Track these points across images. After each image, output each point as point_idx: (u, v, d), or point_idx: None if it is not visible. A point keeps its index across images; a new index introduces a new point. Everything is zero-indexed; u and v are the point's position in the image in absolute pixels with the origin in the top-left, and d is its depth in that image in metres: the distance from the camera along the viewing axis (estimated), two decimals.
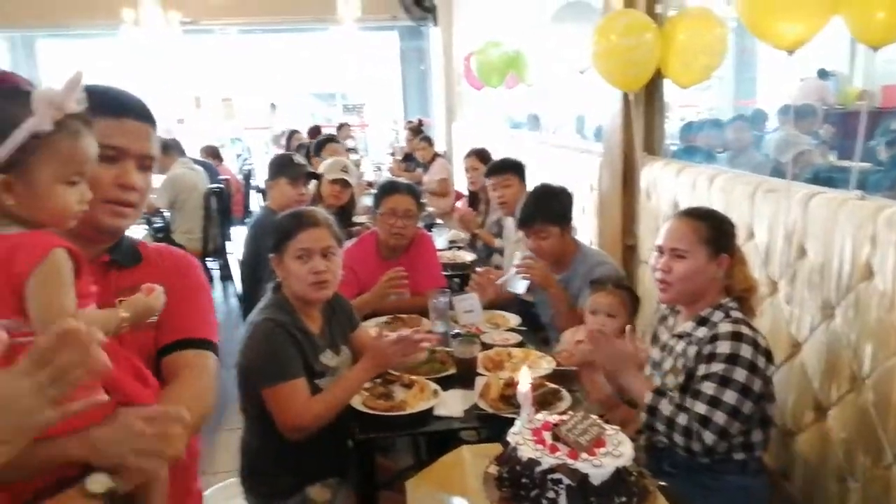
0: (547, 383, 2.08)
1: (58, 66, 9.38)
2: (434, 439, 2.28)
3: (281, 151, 9.10)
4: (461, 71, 6.98)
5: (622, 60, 2.75)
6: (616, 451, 1.27)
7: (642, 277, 3.17)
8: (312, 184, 3.56)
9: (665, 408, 1.80)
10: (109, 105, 1.21)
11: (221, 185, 5.79)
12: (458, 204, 5.63)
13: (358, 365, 1.96)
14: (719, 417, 1.74)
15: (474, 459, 1.47)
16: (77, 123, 1.05)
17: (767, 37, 1.85)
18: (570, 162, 3.92)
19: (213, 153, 7.19)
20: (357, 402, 1.98)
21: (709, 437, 1.74)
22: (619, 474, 1.24)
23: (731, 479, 1.87)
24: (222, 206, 5.67)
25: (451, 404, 2.03)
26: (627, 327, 2.05)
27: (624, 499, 1.25)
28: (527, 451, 1.27)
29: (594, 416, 1.37)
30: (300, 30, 10.44)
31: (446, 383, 2.14)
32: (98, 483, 1.01)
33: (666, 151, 3.20)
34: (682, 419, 1.77)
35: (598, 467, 1.23)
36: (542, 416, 1.40)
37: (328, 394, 1.92)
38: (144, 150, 1.25)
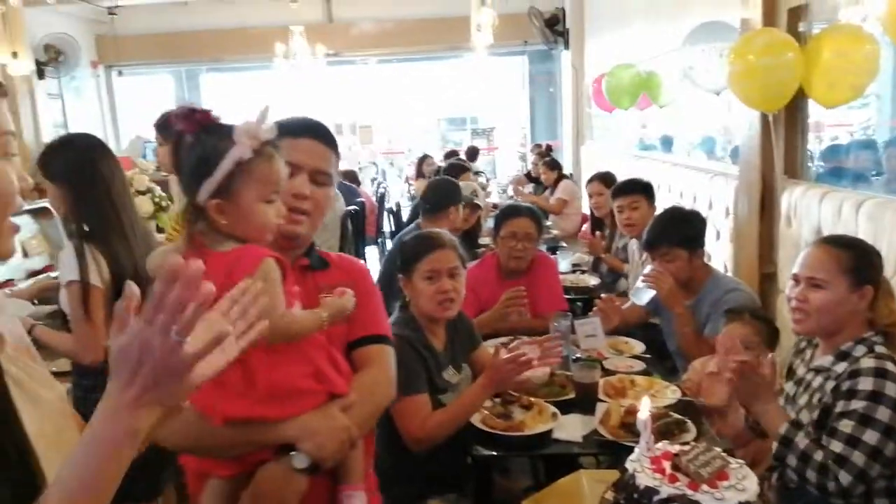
0: (672, 413, 2.02)
1: (219, 96, 10.32)
2: (552, 463, 2.27)
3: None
4: (590, 93, 6.94)
5: (761, 80, 2.63)
6: (739, 486, 1.23)
7: (781, 308, 2.98)
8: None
9: (801, 441, 1.70)
10: (291, 128, 1.41)
11: (357, 207, 6.10)
12: (585, 227, 5.56)
13: (477, 382, 2.01)
14: (858, 458, 1.61)
15: (592, 485, 1.46)
16: (269, 149, 1.24)
17: None
18: (704, 184, 3.78)
19: (351, 177, 7.57)
20: (476, 420, 2.02)
21: (845, 477, 1.62)
22: None
23: None
24: (357, 226, 5.97)
25: (571, 428, 2.02)
26: (770, 355, 1.95)
27: None
28: (645, 479, 1.25)
29: (718, 449, 1.32)
30: (434, 58, 10.79)
31: (565, 407, 2.13)
32: (301, 459, 1.25)
33: (811, 174, 3.01)
34: (818, 455, 1.66)
35: (720, 501, 1.19)
36: (663, 446, 1.37)
37: (449, 410, 1.97)
38: (318, 165, 1.43)
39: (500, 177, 10.40)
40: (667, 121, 5.37)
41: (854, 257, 1.78)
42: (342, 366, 1.38)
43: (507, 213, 3.07)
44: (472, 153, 9.12)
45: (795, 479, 1.70)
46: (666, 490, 1.22)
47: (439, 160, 8.54)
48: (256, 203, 1.23)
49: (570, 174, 7.54)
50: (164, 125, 2.55)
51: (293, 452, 1.28)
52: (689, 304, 2.67)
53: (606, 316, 2.69)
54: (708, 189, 3.72)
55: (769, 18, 2.87)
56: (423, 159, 8.59)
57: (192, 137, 1.21)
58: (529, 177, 7.83)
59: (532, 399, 2.12)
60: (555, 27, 7.65)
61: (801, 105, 2.86)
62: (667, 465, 1.29)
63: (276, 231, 1.34)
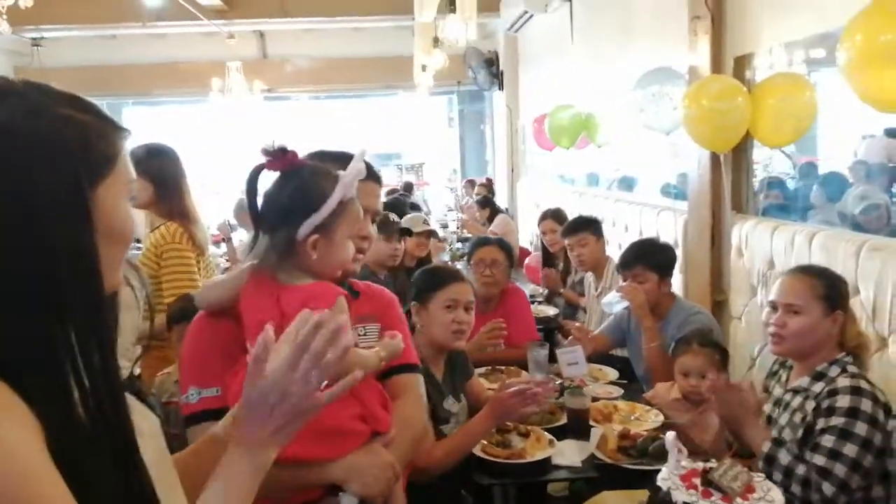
0: (661, 435, 2.12)
1: (142, 128, 10.02)
2: (524, 492, 2.35)
3: None
4: (526, 132, 7.20)
5: (713, 124, 2.85)
6: (768, 497, 1.33)
7: (734, 333, 3.20)
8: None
9: (783, 458, 1.83)
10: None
11: None
12: (526, 261, 5.72)
13: (480, 414, 2.05)
14: (839, 470, 1.75)
15: None
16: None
17: (874, 99, 1.94)
18: (652, 219, 4.01)
19: None
20: (476, 450, 2.06)
21: (828, 488, 1.75)
22: None
23: None
24: None
25: (568, 454, 2.09)
26: (751, 381, 2.09)
27: None
28: (681, 496, 1.34)
29: (740, 465, 1.43)
30: (368, 95, 10.92)
31: (558, 434, 2.20)
32: (350, 500, 1.27)
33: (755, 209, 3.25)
34: (800, 469, 1.79)
35: None
36: (688, 464, 1.46)
37: (454, 440, 2.00)
38: (376, 207, 1.53)
39: (433, 211, 10.53)
40: (611, 159, 5.64)
41: (826, 285, 1.96)
42: (389, 404, 1.40)
43: (477, 243, 3.29)
44: (408, 188, 9.23)
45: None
46: None
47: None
48: (345, 240, 1.29)
49: (507, 209, 7.75)
50: (143, 162, 2.53)
51: (341, 493, 1.29)
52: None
53: (581, 344, 2.79)
54: (655, 223, 3.94)
55: (716, 66, 3.13)
56: None
57: (289, 174, 1.25)
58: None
59: (528, 427, 2.18)
60: (490, 68, 7.93)
61: (747, 145, 3.11)
62: (697, 481, 1.39)
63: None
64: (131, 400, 0.87)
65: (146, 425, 0.89)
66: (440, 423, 2.06)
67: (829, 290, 1.94)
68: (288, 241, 1.24)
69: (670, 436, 1.45)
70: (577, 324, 3.13)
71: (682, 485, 1.37)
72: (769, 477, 1.86)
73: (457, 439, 2.02)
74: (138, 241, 2.82)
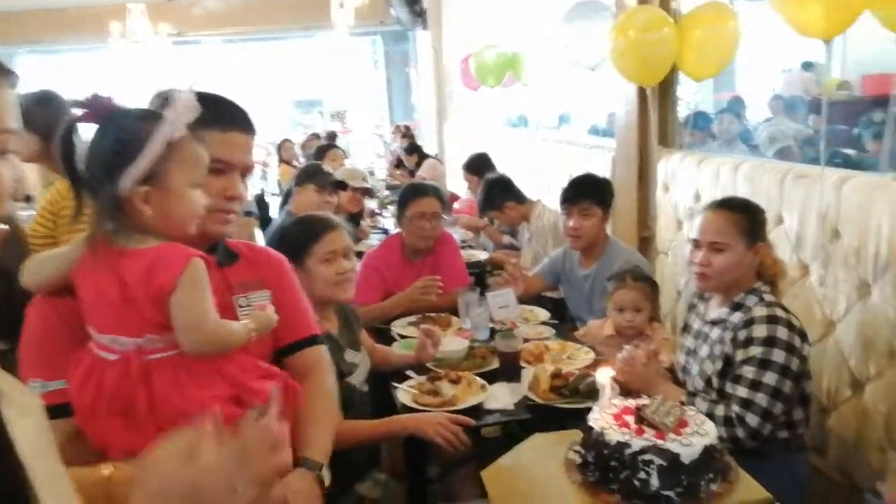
0: (591, 373, 2.11)
1: (39, 79, 9.26)
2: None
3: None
4: (453, 73, 7.03)
5: (641, 56, 2.80)
6: (701, 430, 1.31)
7: (660, 268, 3.22)
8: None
9: (701, 405, 1.83)
10: (219, 118, 1.24)
11: None
12: (455, 205, 5.65)
13: (394, 419, 1.93)
14: (761, 399, 1.78)
15: (550, 447, 1.49)
16: (192, 129, 1.11)
17: (802, 26, 1.90)
18: (581, 158, 3.97)
19: None
20: (408, 400, 2.00)
21: (752, 419, 1.78)
22: (708, 452, 1.28)
23: (777, 458, 1.91)
24: None
25: (500, 397, 2.05)
26: (653, 347, 2.08)
27: (712, 475, 1.28)
28: (614, 435, 1.30)
29: (672, 399, 1.40)
30: (284, 38, 10.41)
31: (490, 378, 2.16)
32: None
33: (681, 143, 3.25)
34: (720, 411, 1.80)
35: (688, 446, 1.26)
36: (620, 402, 1.43)
37: (352, 426, 1.84)
38: (248, 161, 1.31)
39: (357, 160, 10.29)
40: (541, 98, 5.57)
41: (747, 218, 1.94)
42: (272, 373, 1.24)
43: (413, 193, 3.01)
44: (332, 137, 8.94)
45: None
46: (638, 443, 1.27)
47: (297, 144, 8.31)
48: (186, 188, 1.12)
49: (436, 154, 7.62)
50: (30, 113, 2.28)
51: None
52: (590, 272, 2.81)
53: (514, 282, 2.75)
54: (583, 162, 3.90)
55: None
56: (283, 144, 8.30)
57: (104, 123, 1.09)
58: (399, 159, 7.82)
59: (459, 373, 2.13)
60: (413, 6, 7.65)
61: (673, 79, 3.08)
62: (629, 419, 1.35)
63: (203, 230, 1.21)
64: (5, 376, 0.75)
65: (23, 401, 0.77)
66: (344, 376, 1.96)
67: (750, 223, 1.93)
68: (113, 199, 1.07)
69: (602, 374, 1.41)
70: (513, 259, 3.09)
71: (614, 423, 1.34)
72: None
73: (358, 427, 1.87)
74: (28, 198, 2.58)
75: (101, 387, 1.08)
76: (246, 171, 1.31)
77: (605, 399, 1.41)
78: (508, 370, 2.19)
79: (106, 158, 1.08)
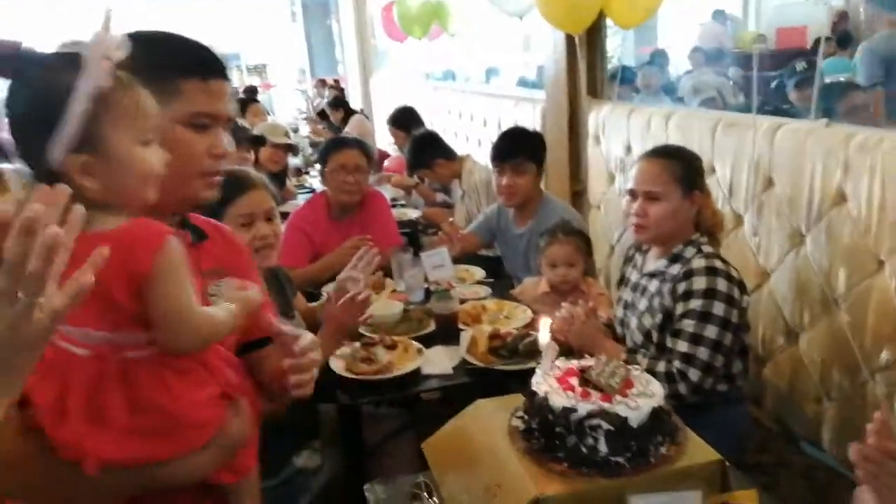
0: (531, 332, 2.05)
1: None
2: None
3: None
4: (377, 23, 6.76)
5: (568, 1, 2.70)
6: (648, 391, 1.25)
7: (594, 221, 3.19)
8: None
9: (642, 362, 1.81)
10: (194, 64, 1.05)
11: None
12: (385, 163, 5.50)
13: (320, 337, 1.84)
14: (703, 353, 1.76)
15: (492, 413, 1.41)
16: (125, 72, 0.90)
17: None
18: (509, 110, 3.87)
19: None
20: (340, 369, 1.89)
21: (694, 373, 1.76)
22: (656, 414, 1.22)
23: (717, 411, 1.91)
24: None
25: (438, 362, 1.97)
26: (591, 304, 2.04)
27: (661, 438, 1.23)
28: (559, 400, 1.23)
29: (615, 359, 1.34)
30: None
31: (427, 341, 2.07)
32: None
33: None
34: (661, 367, 1.78)
35: (636, 409, 1.20)
36: (562, 364, 1.36)
37: None
38: (231, 112, 1.12)
39: (279, 116, 9.89)
40: (469, 51, 5.42)
41: (682, 166, 1.90)
42: (235, 363, 1.11)
43: (334, 146, 2.85)
44: (251, 91, 8.51)
45: None
46: (584, 407, 1.20)
47: None
48: (133, 148, 0.91)
49: (362, 109, 7.37)
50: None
51: None
52: (525, 230, 2.74)
53: (450, 241, 2.66)
54: (513, 115, 3.82)
55: None
56: None
57: (14, 79, 0.87)
58: (322, 115, 7.52)
59: (394, 338, 2.03)
60: None
61: (601, 27, 2.99)
62: (574, 381, 1.29)
63: (191, 197, 1.07)
64: None
65: None
66: None
67: (685, 170, 1.89)
68: (47, 174, 0.85)
69: (543, 335, 1.33)
70: (450, 219, 2.98)
71: (558, 387, 1.27)
72: None
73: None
74: None
75: (68, 386, 0.91)
76: (229, 123, 1.13)
77: (548, 361, 1.33)
78: (445, 333, 2.11)
79: (23, 125, 0.87)
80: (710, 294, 1.77)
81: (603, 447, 1.20)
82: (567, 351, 1.95)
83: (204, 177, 1.08)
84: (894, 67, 3.52)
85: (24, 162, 0.89)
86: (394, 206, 4.02)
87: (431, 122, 4.95)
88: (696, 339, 1.77)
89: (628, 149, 2.79)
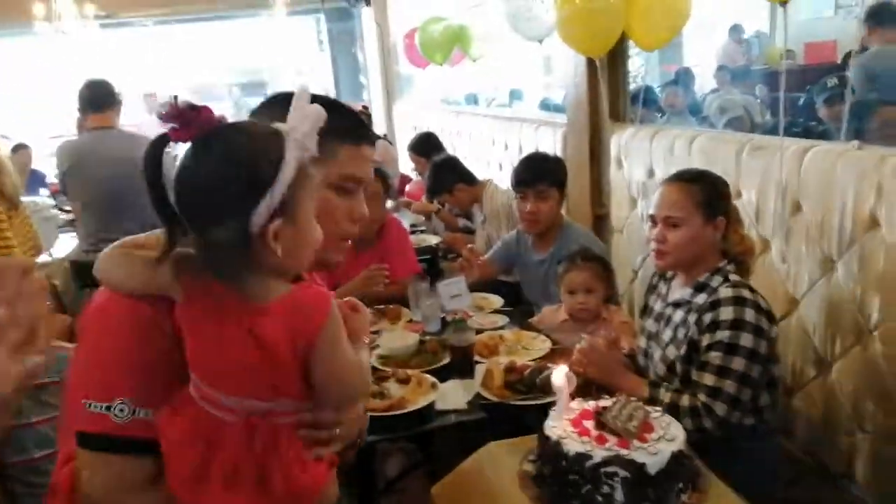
0: (550, 365, 1.98)
1: None
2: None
3: None
4: (399, 50, 6.80)
5: (587, 25, 2.66)
6: (668, 435, 1.19)
7: (616, 247, 3.12)
8: None
9: (665, 396, 1.73)
10: (352, 129, 1.08)
11: None
12: (407, 188, 5.48)
13: None
14: (730, 387, 1.68)
15: (504, 457, 1.35)
16: (324, 141, 0.93)
17: None
18: (530, 135, 3.83)
19: None
20: None
21: (721, 408, 1.68)
22: (676, 459, 1.15)
23: (745, 446, 1.82)
24: None
25: (452, 396, 1.91)
26: (613, 334, 1.97)
27: (681, 485, 1.16)
28: (573, 445, 1.17)
29: (634, 399, 1.27)
30: (220, 18, 9.97)
31: (442, 374, 2.02)
32: None
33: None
34: (685, 401, 1.70)
35: (655, 455, 1.14)
36: (578, 405, 1.30)
37: None
38: (370, 176, 1.13)
39: None
40: (490, 74, 5.41)
41: (705, 190, 1.83)
42: None
43: None
44: None
45: None
46: (599, 453, 1.14)
47: None
48: (312, 217, 0.93)
49: (385, 135, 7.40)
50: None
51: None
52: (548, 255, 2.68)
53: (469, 268, 2.61)
54: (534, 139, 3.77)
55: None
56: None
57: (210, 143, 0.87)
58: None
59: (408, 372, 1.98)
60: None
61: (623, 49, 2.95)
62: (589, 425, 1.22)
63: (325, 260, 1.06)
64: None
65: None
66: None
67: (708, 195, 1.82)
68: (240, 238, 0.86)
69: (558, 374, 1.27)
70: (469, 245, 2.93)
71: (573, 431, 1.20)
72: None
73: None
74: None
75: (215, 450, 0.92)
76: (368, 188, 1.14)
77: (562, 402, 1.27)
78: (461, 365, 2.04)
79: (224, 187, 0.87)
80: (737, 325, 1.69)
81: (619, 496, 1.13)
82: (585, 384, 1.88)
83: (341, 240, 1.08)
84: (882, 82, 3.43)
85: (194, 224, 0.89)
86: (413, 232, 3.99)
87: (453, 147, 4.93)
88: (722, 371, 1.69)
89: (651, 172, 2.72)
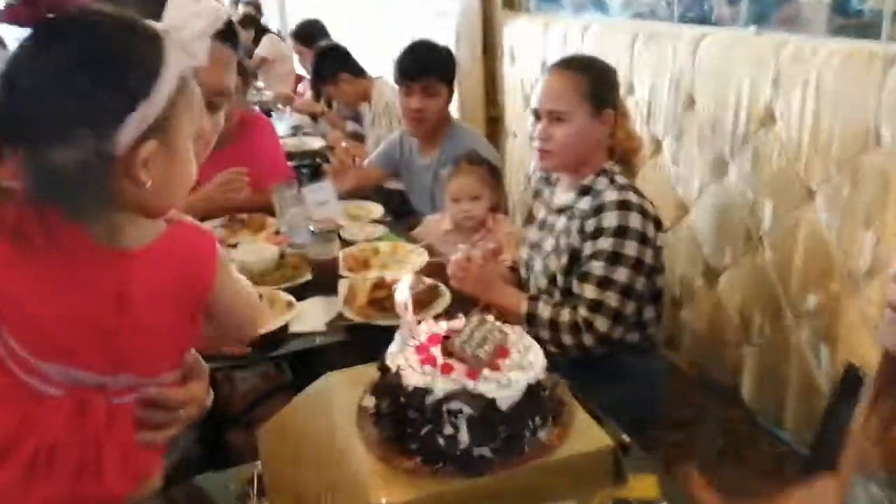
0: (425, 279, 1.78)
1: None
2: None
3: None
4: None
5: None
6: (525, 361, 0.99)
7: (510, 152, 2.91)
8: None
9: (544, 311, 1.59)
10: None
11: None
12: (300, 88, 5.06)
13: None
14: (611, 299, 1.53)
15: (346, 389, 1.14)
16: None
17: None
18: (423, 25, 3.49)
19: None
20: None
21: (602, 322, 1.53)
22: (532, 391, 0.96)
23: (627, 363, 1.70)
24: None
25: (311, 317, 1.68)
26: (492, 245, 1.79)
27: (539, 420, 0.98)
28: (413, 378, 0.96)
29: (492, 319, 1.07)
30: None
31: (302, 292, 1.78)
32: None
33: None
34: (564, 316, 1.56)
35: (506, 387, 0.94)
36: (426, 329, 1.09)
37: None
38: (227, 86, 0.98)
39: None
40: None
41: (592, 79, 1.62)
42: None
43: None
44: None
45: (554, 349, 1.59)
46: (441, 387, 0.94)
47: None
48: (188, 144, 0.79)
49: (278, 30, 6.80)
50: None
51: None
52: (433, 159, 2.44)
53: (342, 174, 2.34)
54: (428, 33, 3.43)
55: None
56: None
57: (62, 33, 0.68)
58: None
59: (259, 289, 1.73)
60: None
61: None
62: (436, 352, 1.02)
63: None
64: None
65: None
66: None
67: (596, 85, 1.61)
68: (98, 162, 0.68)
69: (400, 290, 1.05)
70: (343, 143, 2.64)
71: (416, 360, 1.00)
72: (535, 338, 1.60)
73: None
74: None
75: (28, 428, 0.76)
76: (215, 98, 0.96)
77: (406, 325, 1.06)
78: (325, 282, 1.81)
79: (84, 93, 0.68)
80: (621, 232, 1.53)
81: (465, 437, 0.94)
82: (458, 298, 1.70)
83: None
84: None
85: (31, 145, 0.68)
86: (295, 134, 3.65)
87: (342, 38, 4.51)
88: (604, 282, 1.53)
89: (545, 67, 2.47)
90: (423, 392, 0.94)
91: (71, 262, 0.72)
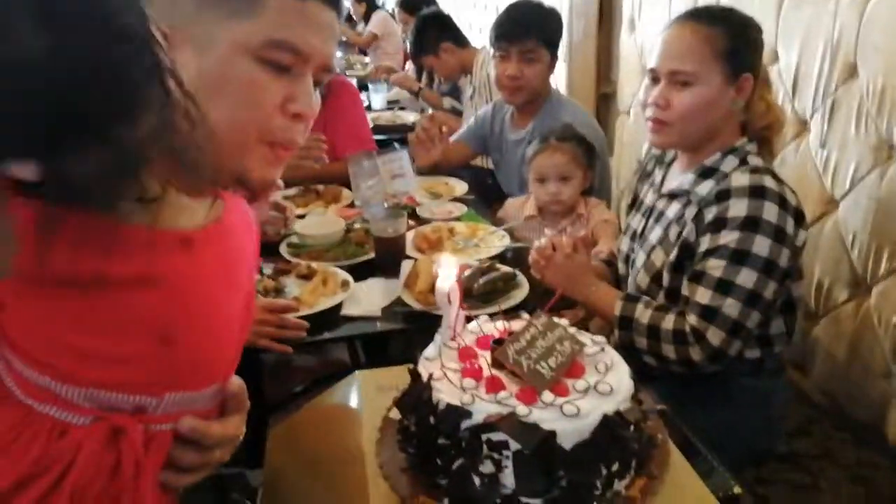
0: (500, 266, 1.53)
1: None
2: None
3: None
4: None
5: None
6: (603, 385, 0.73)
7: (620, 131, 2.59)
8: None
9: (642, 315, 1.30)
10: None
11: None
12: (407, 66, 4.89)
13: None
14: (730, 307, 1.22)
15: (371, 394, 0.92)
16: None
17: None
18: None
19: None
20: None
21: (715, 335, 1.22)
22: (609, 426, 0.70)
23: (744, 384, 1.38)
24: None
25: (367, 299, 1.47)
26: (583, 233, 1.51)
27: (617, 466, 0.71)
28: (447, 393, 0.72)
29: (565, 323, 0.81)
30: None
31: (364, 272, 1.57)
32: None
33: None
34: (668, 323, 1.26)
35: (574, 417, 0.68)
36: (476, 328, 0.84)
37: None
38: (329, 56, 0.71)
39: None
40: None
41: (730, 34, 1.29)
42: None
43: None
44: None
45: (654, 362, 1.30)
46: (481, 408, 0.69)
47: None
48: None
49: (383, 3, 6.68)
50: None
51: None
52: (526, 132, 2.17)
53: (424, 145, 2.12)
54: None
55: None
56: None
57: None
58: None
59: (314, 265, 1.54)
60: None
61: None
62: (483, 361, 0.77)
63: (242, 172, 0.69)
64: None
65: None
66: None
67: (734, 40, 1.29)
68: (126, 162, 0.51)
69: (443, 278, 0.80)
70: (430, 111, 2.42)
71: (455, 369, 0.75)
72: (630, 346, 1.31)
73: None
74: None
75: (63, 473, 0.60)
76: (322, 75, 0.71)
77: (448, 322, 0.81)
78: (388, 262, 1.59)
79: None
80: (751, 225, 1.21)
81: (509, 480, 0.69)
82: (544, 293, 1.44)
83: (266, 145, 0.67)
84: None
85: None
86: (391, 108, 3.47)
87: (448, 8, 4.29)
88: (723, 286, 1.22)
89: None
90: (459, 413, 0.70)
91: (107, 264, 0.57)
